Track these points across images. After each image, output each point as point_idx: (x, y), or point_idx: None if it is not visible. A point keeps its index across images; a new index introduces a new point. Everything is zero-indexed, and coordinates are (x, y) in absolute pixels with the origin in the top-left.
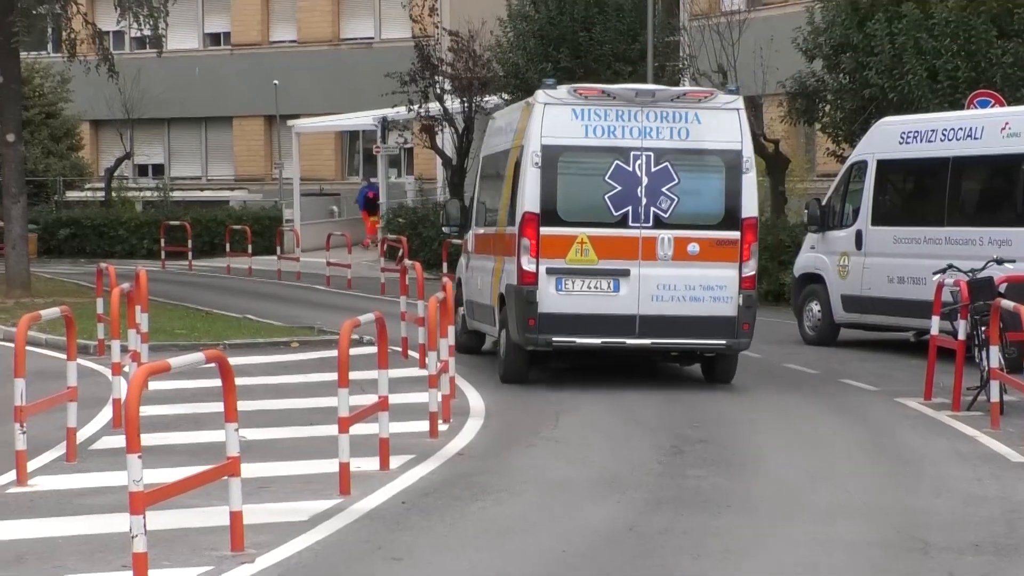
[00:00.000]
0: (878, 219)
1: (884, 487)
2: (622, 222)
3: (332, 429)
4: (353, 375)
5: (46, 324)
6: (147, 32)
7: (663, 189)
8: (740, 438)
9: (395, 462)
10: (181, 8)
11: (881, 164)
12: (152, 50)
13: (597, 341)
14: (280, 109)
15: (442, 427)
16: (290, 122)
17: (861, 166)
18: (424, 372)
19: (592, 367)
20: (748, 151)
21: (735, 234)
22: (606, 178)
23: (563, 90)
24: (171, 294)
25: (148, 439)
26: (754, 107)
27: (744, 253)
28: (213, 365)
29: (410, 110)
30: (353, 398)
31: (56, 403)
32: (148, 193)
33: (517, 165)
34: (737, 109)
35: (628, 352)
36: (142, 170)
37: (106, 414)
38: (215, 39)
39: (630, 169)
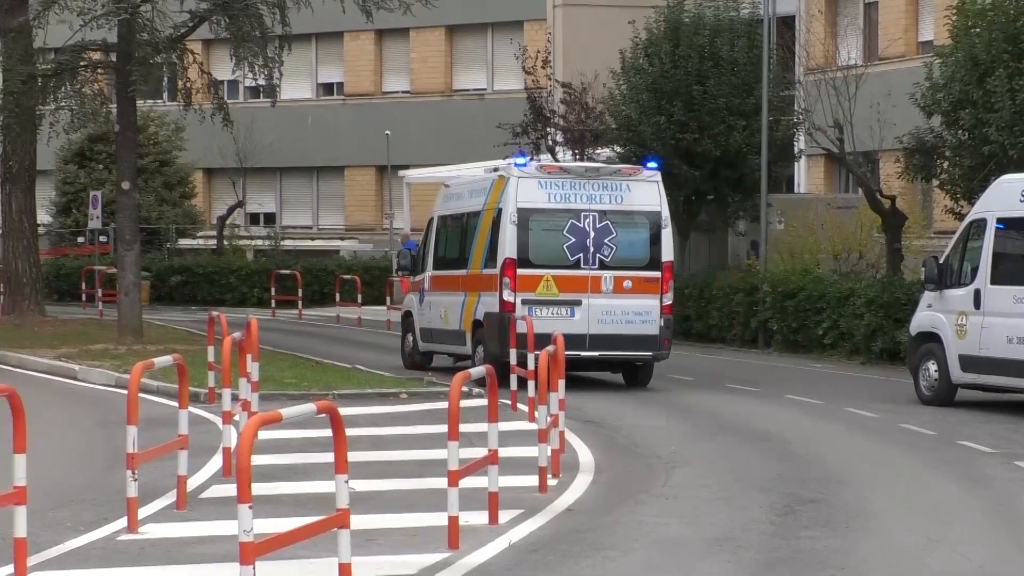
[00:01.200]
0: (997, 278)
1: (1004, 555)
2: (576, 264)
3: (441, 482)
4: (463, 427)
5: (158, 372)
6: (261, 82)
7: (605, 240)
8: (854, 498)
9: (504, 516)
10: (295, 58)
11: (1001, 222)
12: (266, 99)
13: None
14: (391, 159)
15: (552, 482)
16: (401, 172)
17: (980, 224)
18: (534, 425)
19: (707, 423)
20: (665, 212)
21: (657, 274)
22: (564, 232)
23: (532, 167)
24: (281, 343)
25: (257, 488)
26: (870, 162)
27: (664, 288)
28: (324, 416)
29: None
30: (463, 451)
31: (167, 451)
32: (259, 242)
33: (495, 222)
34: (656, 181)
35: (581, 361)
36: (254, 219)
37: (216, 462)
38: (328, 89)
39: (581, 225)
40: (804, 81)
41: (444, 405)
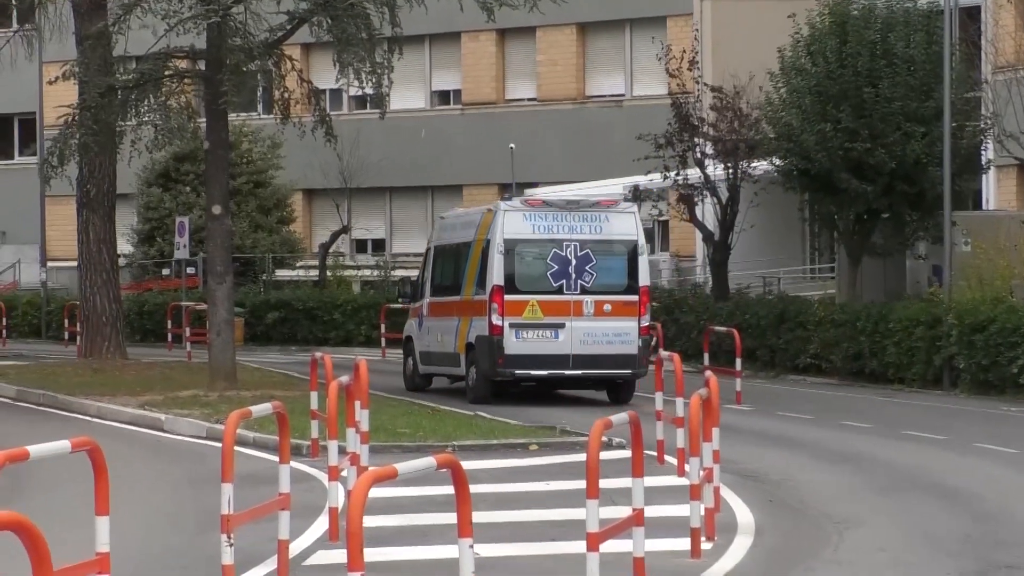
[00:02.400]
0: None
1: None
2: (559, 290)
3: (579, 546)
4: (603, 483)
5: (255, 421)
6: (369, 90)
7: (586, 267)
8: None
9: None
10: (406, 63)
11: None
12: (374, 110)
13: (545, 372)
14: (516, 176)
15: (705, 545)
16: (527, 191)
17: None
18: (684, 481)
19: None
20: (641, 240)
21: (635, 297)
22: (548, 260)
23: (516, 201)
24: (393, 388)
25: (369, 554)
26: None
27: (642, 310)
28: (444, 471)
29: (665, 177)
30: (603, 510)
31: (267, 512)
32: (367, 272)
33: (484, 252)
34: (633, 212)
35: (565, 380)
36: (360, 246)
37: (321, 525)
38: (444, 97)
39: (563, 254)
40: (992, 81)
41: (581, 457)
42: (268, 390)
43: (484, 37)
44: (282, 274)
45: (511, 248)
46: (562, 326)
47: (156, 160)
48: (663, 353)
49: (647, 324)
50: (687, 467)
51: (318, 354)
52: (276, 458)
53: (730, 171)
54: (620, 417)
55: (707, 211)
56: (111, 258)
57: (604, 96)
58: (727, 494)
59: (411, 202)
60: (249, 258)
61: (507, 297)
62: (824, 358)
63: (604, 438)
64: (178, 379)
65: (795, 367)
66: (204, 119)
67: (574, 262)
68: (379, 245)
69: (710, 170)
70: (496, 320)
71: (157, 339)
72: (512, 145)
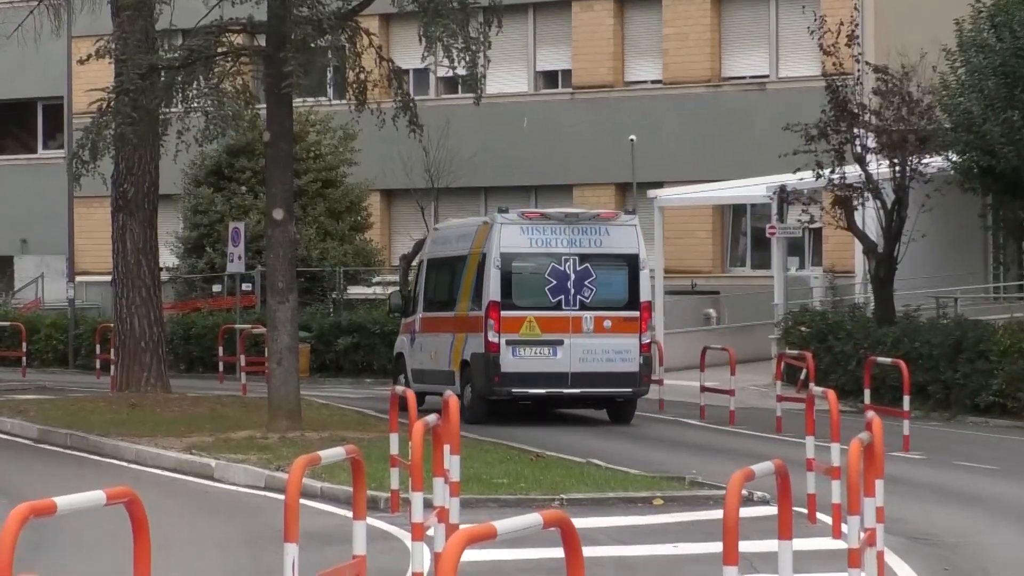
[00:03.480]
0: None
1: None
2: (557, 306)
3: None
4: (743, 546)
5: (323, 469)
6: (461, 71)
7: (585, 282)
8: None
9: None
10: (506, 39)
11: None
12: (467, 95)
13: (543, 391)
14: (637, 174)
15: None
16: (650, 192)
17: None
18: (841, 544)
19: None
20: (643, 254)
21: (636, 313)
22: (546, 275)
23: (513, 214)
24: (488, 429)
25: None
26: None
27: (643, 327)
28: (553, 530)
29: (818, 176)
30: None
31: None
32: None
33: (480, 266)
34: (634, 225)
35: (564, 399)
36: None
37: None
38: (550, 79)
39: (562, 269)
40: None
41: (716, 515)
42: (339, 431)
43: (600, 7)
44: (356, 291)
45: (508, 262)
46: (560, 343)
47: (206, 155)
48: (815, 388)
49: (648, 341)
50: (844, 528)
51: (399, 388)
52: (349, 513)
53: (897, 168)
54: (763, 467)
55: (868, 217)
56: (152, 271)
57: (744, 78)
58: (893, 560)
59: (510, 204)
60: (317, 272)
61: (504, 313)
62: (1011, 396)
63: (744, 491)
64: (231, 417)
65: (975, 407)
66: (264, 105)
67: (573, 277)
68: None
69: (872, 167)
70: (492, 337)
71: (206, 369)
72: (632, 137)
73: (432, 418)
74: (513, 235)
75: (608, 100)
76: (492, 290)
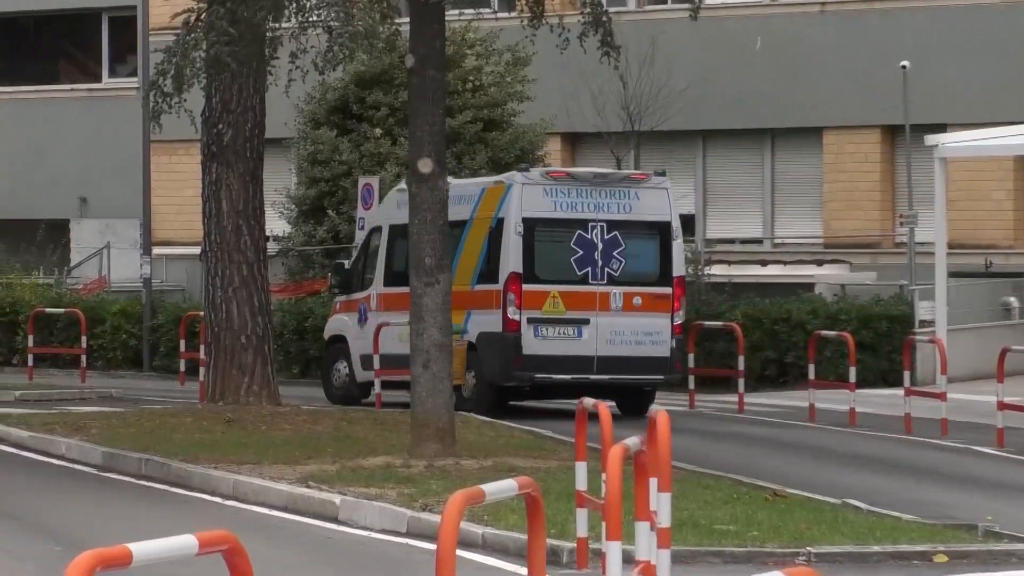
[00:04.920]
0: None
1: None
2: (583, 279)
3: None
4: None
5: (485, 509)
6: None
7: (614, 253)
8: None
9: None
10: None
11: None
12: (680, 5)
13: (568, 377)
14: (911, 114)
15: None
16: (929, 138)
17: None
18: None
19: None
20: (676, 222)
21: (668, 289)
22: (571, 244)
23: (535, 173)
24: (708, 455)
25: None
26: None
27: (675, 305)
28: None
29: None
30: None
31: None
32: None
33: (491, 234)
34: (666, 188)
35: (589, 386)
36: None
37: None
38: None
39: (589, 237)
40: None
41: None
42: (506, 458)
43: None
44: None
45: (530, 229)
46: (586, 322)
47: (329, 85)
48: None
49: (680, 322)
50: None
51: (588, 401)
52: (522, 569)
53: None
54: None
55: None
56: (256, 242)
57: None
58: None
59: (738, 154)
60: None
61: (525, 287)
62: None
63: None
64: (362, 438)
65: None
66: (406, 19)
67: (600, 246)
68: (684, 224)
69: None
70: (513, 314)
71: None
72: (905, 63)
73: (634, 441)
74: (535, 197)
75: (872, 13)
76: (512, 260)
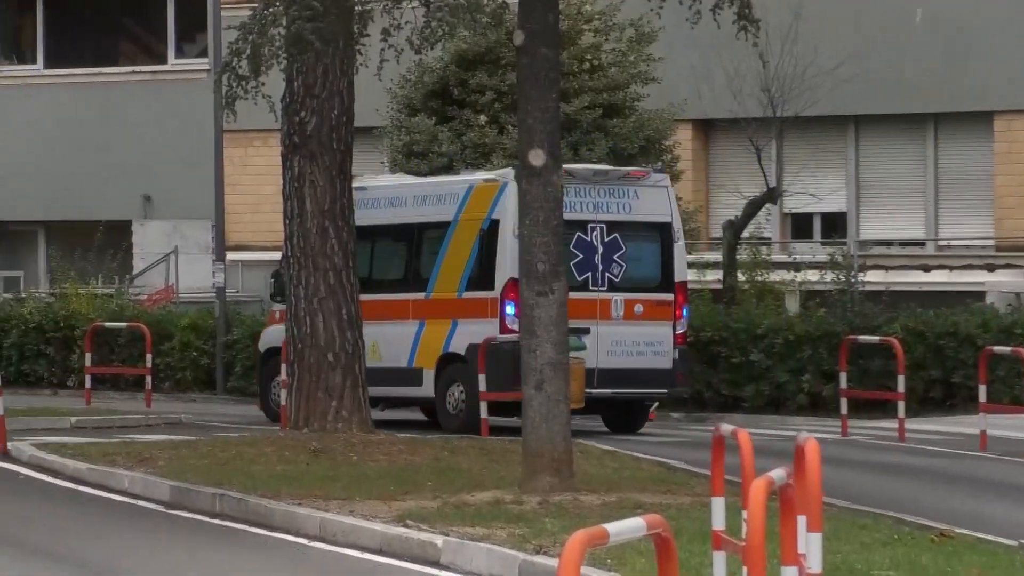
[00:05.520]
0: None
1: None
2: (583, 286)
3: None
4: None
5: (608, 552)
6: None
7: (614, 257)
8: None
9: None
10: None
11: None
12: None
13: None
14: None
15: None
16: None
17: None
18: None
19: None
20: (677, 223)
21: (670, 296)
22: (571, 247)
23: None
24: (858, 488)
25: None
26: None
27: (677, 312)
28: None
29: None
30: None
31: None
32: (814, 274)
33: (483, 237)
34: (666, 187)
35: (590, 401)
36: (800, 224)
37: None
38: None
39: (588, 239)
40: None
41: None
42: (631, 492)
43: None
44: None
45: None
46: (586, 332)
47: (426, 67)
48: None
49: (683, 331)
50: None
51: (727, 427)
52: None
53: None
54: None
55: None
56: (344, 246)
57: None
58: None
59: (896, 143)
60: None
61: None
62: None
63: None
64: (466, 470)
65: None
66: None
67: (601, 250)
68: (833, 222)
69: None
70: (512, 323)
71: None
72: None
73: (779, 474)
74: None
75: None
76: (511, 266)
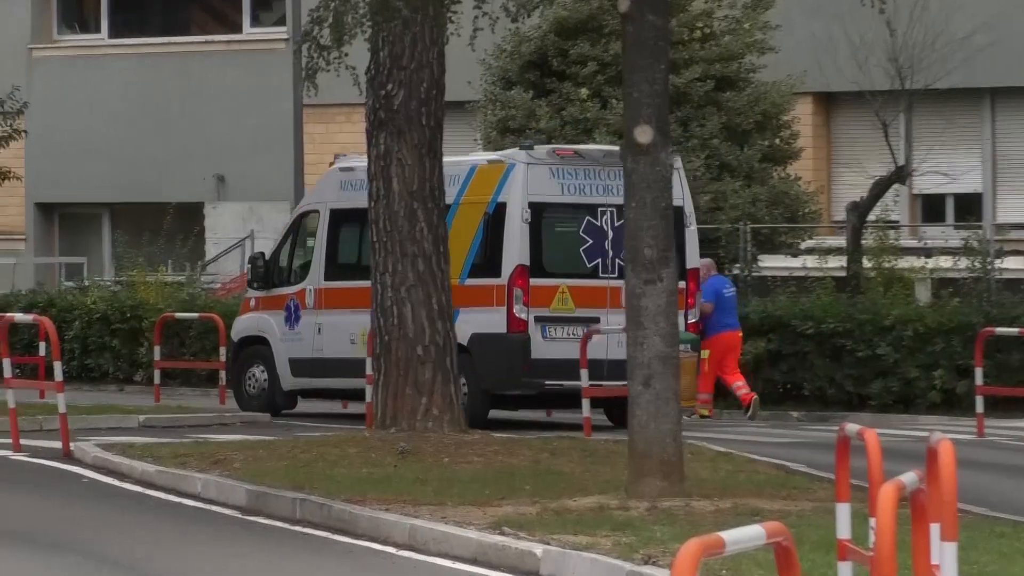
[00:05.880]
0: None
1: None
2: (593, 272)
3: None
4: None
5: (724, 561)
6: None
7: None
8: None
9: None
10: None
11: None
12: None
13: (578, 383)
14: None
15: None
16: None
17: None
18: None
19: None
20: (688, 207)
21: (682, 284)
22: (580, 232)
23: (541, 151)
24: (997, 493)
25: None
26: None
27: (689, 301)
28: None
29: None
30: None
31: None
32: (945, 260)
33: (488, 221)
34: (677, 168)
35: (600, 394)
36: (931, 205)
37: None
38: None
39: (599, 224)
40: None
41: None
42: (747, 498)
43: None
44: (773, 264)
45: (537, 215)
46: (596, 321)
47: (523, 36)
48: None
49: (695, 320)
50: None
51: (852, 427)
52: None
53: None
54: None
55: None
56: (435, 230)
57: None
58: None
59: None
60: (709, 232)
61: (533, 281)
62: None
63: None
64: (567, 473)
65: None
66: None
67: (611, 235)
68: (968, 205)
69: None
70: (520, 312)
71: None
72: None
73: (910, 478)
74: (541, 179)
75: None
76: (519, 251)
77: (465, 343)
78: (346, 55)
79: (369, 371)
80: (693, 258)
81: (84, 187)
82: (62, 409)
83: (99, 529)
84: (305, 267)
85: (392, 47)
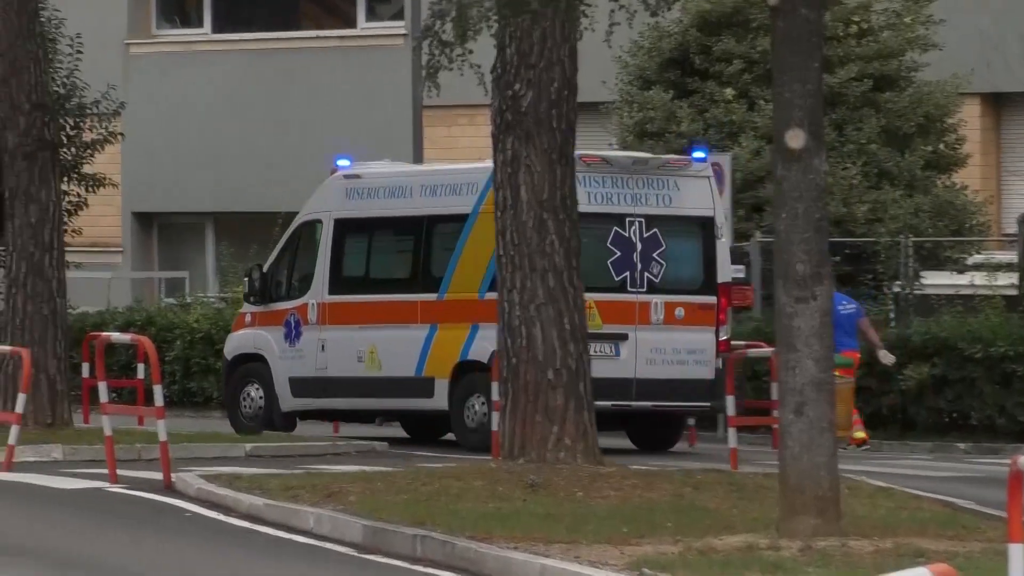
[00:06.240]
0: None
1: None
2: (622, 286)
3: None
4: None
5: None
6: None
7: (654, 255)
8: None
9: None
10: None
11: None
12: None
13: (608, 404)
14: None
15: None
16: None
17: None
18: None
19: None
20: (719, 217)
21: (713, 299)
22: (608, 244)
23: None
24: None
25: None
26: None
27: (721, 317)
28: None
29: None
30: None
31: None
32: None
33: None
34: (707, 176)
35: (629, 415)
36: None
37: None
38: None
39: (627, 235)
40: None
41: None
42: (910, 537)
43: None
44: (936, 281)
45: None
46: (624, 338)
47: (662, 31)
48: None
49: (726, 337)
50: None
51: None
52: None
53: None
54: None
55: None
56: (566, 243)
57: None
58: None
59: None
60: (864, 246)
61: None
62: None
63: None
64: (712, 508)
65: None
66: None
67: (640, 247)
68: None
69: None
70: None
71: None
72: None
73: None
74: None
75: None
76: None
77: (485, 360)
78: (470, 52)
79: (495, 396)
80: (724, 272)
81: (185, 195)
82: (163, 437)
83: (201, 568)
84: (306, 280)
85: (520, 43)
